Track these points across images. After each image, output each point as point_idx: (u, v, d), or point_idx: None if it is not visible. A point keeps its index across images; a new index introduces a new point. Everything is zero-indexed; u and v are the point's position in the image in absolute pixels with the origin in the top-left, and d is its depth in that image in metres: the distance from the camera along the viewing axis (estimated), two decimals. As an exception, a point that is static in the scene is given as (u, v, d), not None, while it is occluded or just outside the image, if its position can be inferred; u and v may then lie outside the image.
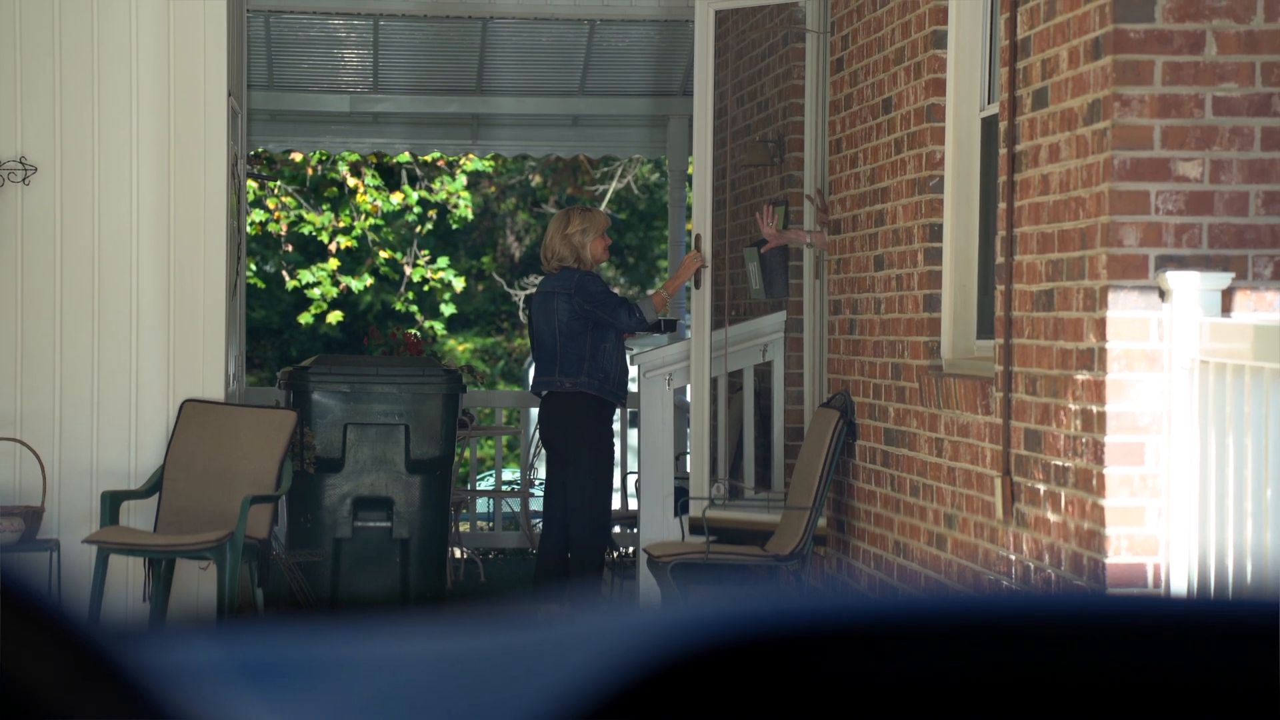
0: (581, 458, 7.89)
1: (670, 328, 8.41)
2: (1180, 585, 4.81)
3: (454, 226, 19.60)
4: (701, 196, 8.14)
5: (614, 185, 20.56)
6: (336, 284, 17.96)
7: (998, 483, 5.67)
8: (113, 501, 7.32)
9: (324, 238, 17.67)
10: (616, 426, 8.65)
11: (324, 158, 16.96)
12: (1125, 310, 4.91)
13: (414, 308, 19.42)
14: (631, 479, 9.87)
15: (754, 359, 8.36)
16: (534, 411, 11.87)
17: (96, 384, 7.70)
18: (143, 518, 7.59)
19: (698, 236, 8.16)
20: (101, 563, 7.12)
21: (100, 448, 7.69)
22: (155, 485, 7.53)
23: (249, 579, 7.27)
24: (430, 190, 18.04)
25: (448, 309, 19.12)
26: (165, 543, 7.24)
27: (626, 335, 8.06)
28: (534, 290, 8.29)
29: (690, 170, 9.61)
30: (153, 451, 7.67)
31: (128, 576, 7.52)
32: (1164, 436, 4.90)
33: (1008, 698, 1.41)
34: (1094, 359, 5.01)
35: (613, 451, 8.11)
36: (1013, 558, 5.59)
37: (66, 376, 7.69)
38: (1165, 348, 4.88)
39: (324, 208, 17.80)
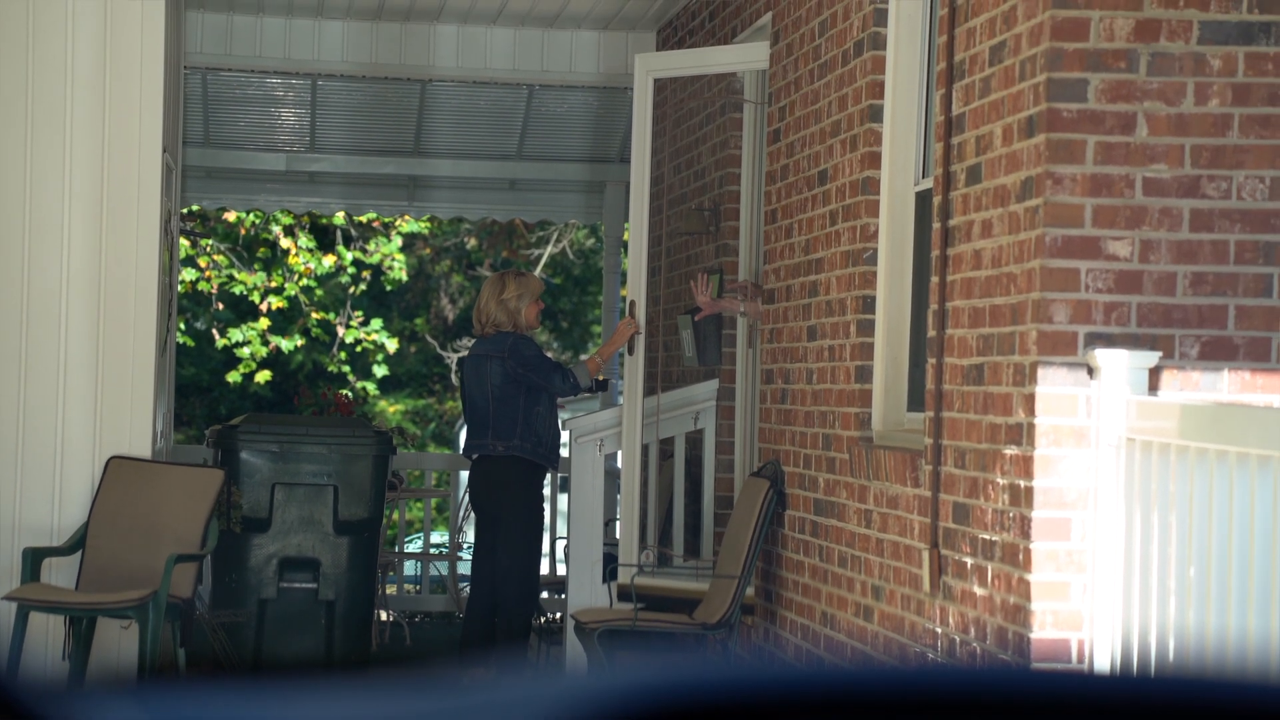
0: (512, 521, 7.85)
1: (602, 387, 8.41)
2: (1103, 662, 4.83)
3: (388, 288, 19.55)
4: (636, 263, 8.16)
5: (549, 250, 20.58)
6: (266, 343, 17.87)
7: (925, 555, 5.68)
8: (34, 558, 7.22)
9: (255, 297, 17.60)
10: (547, 491, 8.62)
11: (259, 218, 16.90)
12: (1054, 386, 4.95)
13: (346, 368, 19.34)
14: (560, 544, 9.83)
15: (685, 426, 8.37)
16: (464, 474, 11.81)
17: (21, 438, 7.61)
18: (64, 575, 7.49)
19: (632, 303, 8.17)
20: (21, 620, 7.02)
21: (23, 503, 7.59)
22: (79, 542, 7.44)
23: (171, 639, 7.18)
24: (365, 251, 18.01)
25: (380, 370, 19.05)
26: (87, 601, 7.15)
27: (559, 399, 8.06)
28: (466, 353, 8.27)
29: (626, 236, 9.64)
30: (77, 508, 7.59)
31: (48, 634, 7.41)
32: (1090, 512, 4.93)
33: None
34: (1022, 434, 5.05)
35: (543, 516, 8.08)
36: (939, 630, 5.60)
37: (-9, 430, 7.60)
38: (1093, 424, 4.92)
39: (256, 267, 17.73)
